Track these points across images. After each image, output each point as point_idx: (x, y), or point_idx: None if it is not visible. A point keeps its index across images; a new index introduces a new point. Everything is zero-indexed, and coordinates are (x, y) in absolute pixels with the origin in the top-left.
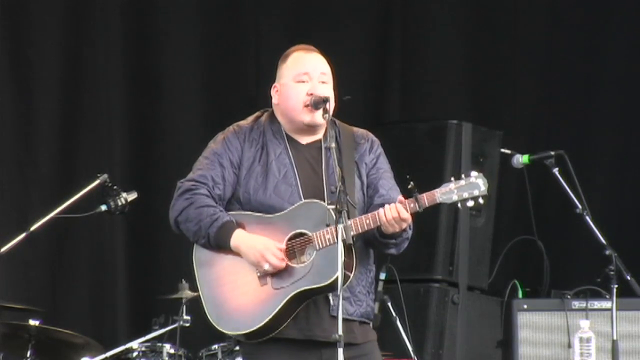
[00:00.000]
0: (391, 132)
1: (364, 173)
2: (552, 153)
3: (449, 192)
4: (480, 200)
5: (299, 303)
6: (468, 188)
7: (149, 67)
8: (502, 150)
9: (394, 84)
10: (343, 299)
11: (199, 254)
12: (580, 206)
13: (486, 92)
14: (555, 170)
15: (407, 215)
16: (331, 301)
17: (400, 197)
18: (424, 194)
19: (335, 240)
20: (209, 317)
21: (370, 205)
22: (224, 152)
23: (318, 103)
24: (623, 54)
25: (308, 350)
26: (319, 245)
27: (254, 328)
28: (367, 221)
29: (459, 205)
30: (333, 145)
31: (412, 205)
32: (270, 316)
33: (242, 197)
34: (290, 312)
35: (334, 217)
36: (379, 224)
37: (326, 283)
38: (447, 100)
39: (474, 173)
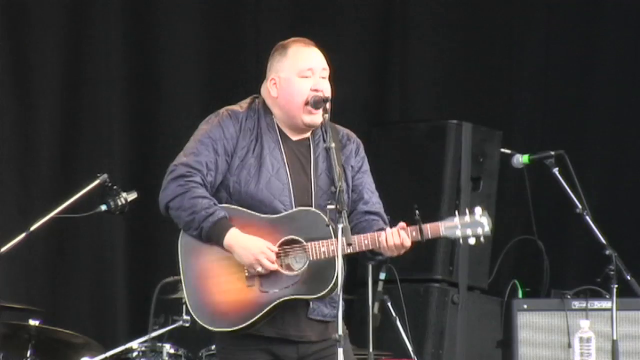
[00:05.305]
0: (391, 132)
1: (349, 176)
2: (552, 153)
3: (453, 227)
4: (482, 240)
5: (282, 308)
6: (472, 226)
7: (149, 67)
8: (502, 150)
9: (394, 84)
10: (320, 301)
11: (186, 241)
12: (580, 206)
13: (486, 92)
14: (555, 170)
15: (409, 243)
16: (310, 304)
17: (402, 224)
18: (428, 225)
19: (330, 254)
20: (188, 306)
21: (354, 209)
22: (219, 139)
23: (318, 103)
24: (618, 54)
25: (284, 345)
26: (313, 257)
27: (236, 328)
28: (365, 242)
29: (460, 241)
30: (333, 145)
31: (414, 234)
32: (255, 318)
33: (232, 187)
34: (271, 314)
35: (331, 228)
36: (377, 246)
37: (315, 295)
38: (447, 100)
39: (478, 210)
